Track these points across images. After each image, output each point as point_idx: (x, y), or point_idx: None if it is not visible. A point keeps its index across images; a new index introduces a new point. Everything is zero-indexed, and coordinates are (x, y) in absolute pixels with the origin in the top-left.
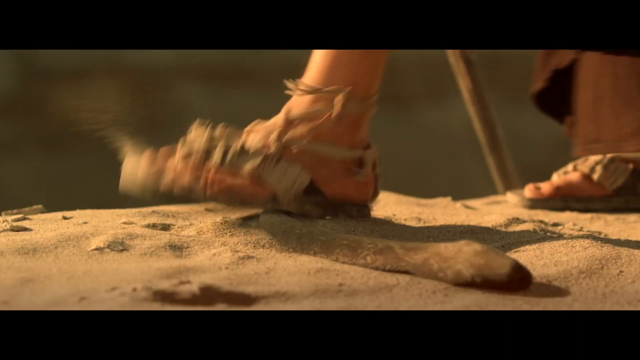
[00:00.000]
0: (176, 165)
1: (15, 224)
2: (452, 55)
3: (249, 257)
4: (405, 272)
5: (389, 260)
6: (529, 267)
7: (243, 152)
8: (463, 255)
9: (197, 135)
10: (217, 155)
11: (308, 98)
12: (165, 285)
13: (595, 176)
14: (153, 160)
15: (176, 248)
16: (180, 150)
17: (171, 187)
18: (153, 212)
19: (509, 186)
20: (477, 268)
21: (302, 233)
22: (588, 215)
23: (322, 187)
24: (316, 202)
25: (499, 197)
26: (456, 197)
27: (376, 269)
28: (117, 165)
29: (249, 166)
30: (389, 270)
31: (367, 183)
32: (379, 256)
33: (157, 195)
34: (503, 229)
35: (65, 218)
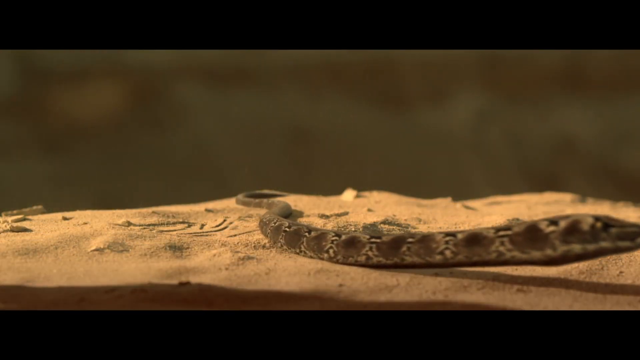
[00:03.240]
0: None
1: (15, 224)
2: None
3: (249, 258)
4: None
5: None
6: (529, 267)
7: None
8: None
9: None
10: None
11: None
12: (165, 285)
13: None
14: None
15: (176, 249)
16: None
17: None
18: (153, 212)
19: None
20: None
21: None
22: None
23: None
24: None
25: (499, 198)
26: (456, 198)
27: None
28: (116, 165)
29: None
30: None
31: None
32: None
33: None
34: None
35: (65, 219)
